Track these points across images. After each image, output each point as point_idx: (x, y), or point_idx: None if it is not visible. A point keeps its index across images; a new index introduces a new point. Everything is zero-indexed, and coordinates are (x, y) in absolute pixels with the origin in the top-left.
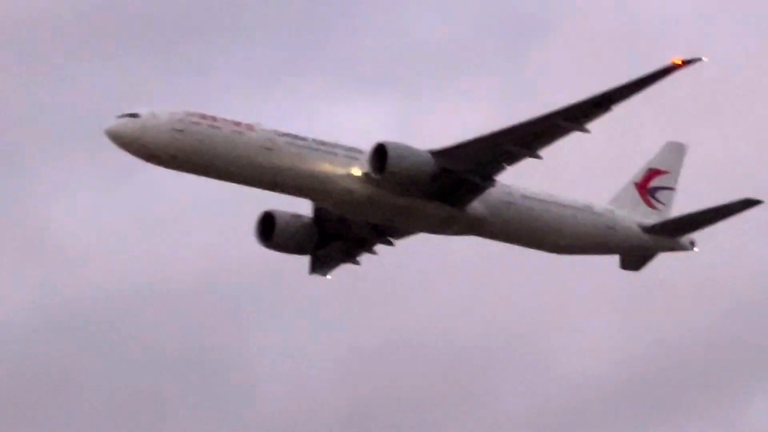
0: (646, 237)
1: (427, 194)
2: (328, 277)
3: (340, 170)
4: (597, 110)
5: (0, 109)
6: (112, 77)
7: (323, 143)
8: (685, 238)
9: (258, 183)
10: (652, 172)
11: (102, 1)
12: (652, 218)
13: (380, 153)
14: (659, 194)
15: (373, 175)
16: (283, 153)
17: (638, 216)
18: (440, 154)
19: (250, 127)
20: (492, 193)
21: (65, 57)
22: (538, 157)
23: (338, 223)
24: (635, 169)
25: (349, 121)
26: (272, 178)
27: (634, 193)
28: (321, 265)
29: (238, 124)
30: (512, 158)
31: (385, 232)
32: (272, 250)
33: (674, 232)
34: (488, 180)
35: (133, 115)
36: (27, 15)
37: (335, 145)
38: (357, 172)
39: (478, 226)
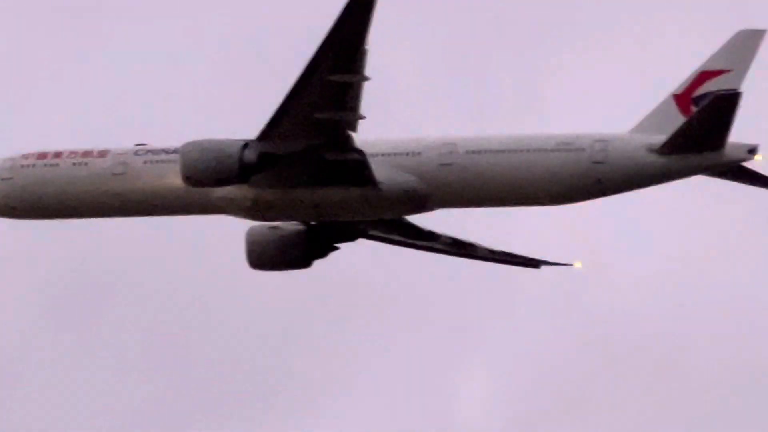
0: (658, 160)
1: (315, 181)
2: None
3: None
4: (351, 50)
5: None
6: None
7: None
8: (735, 147)
9: (121, 212)
10: (704, 75)
11: None
12: None
13: None
14: None
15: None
16: (138, 174)
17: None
18: (258, 139)
19: (102, 154)
20: (422, 157)
21: None
22: (358, 117)
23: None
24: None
25: None
26: (134, 205)
27: (672, 108)
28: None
29: (87, 153)
30: (336, 125)
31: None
32: (264, 271)
33: (690, 147)
34: (348, 151)
35: None
36: None
37: None
38: None
39: (416, 199)
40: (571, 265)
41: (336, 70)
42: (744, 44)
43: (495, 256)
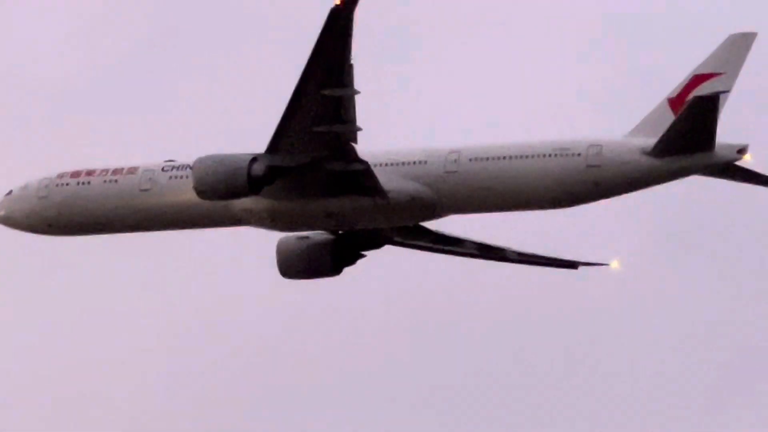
0: (651, 162)
1: (324, 191)
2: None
3: None
4: (337, 64)
5: None
6: None
7: None
8: (725, 148)
9: (149, 226)
10: (697, 79)
11: None
12: None
13: None
14: None
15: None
16: (163, 190)
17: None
18: (266, 153)
19: (131, 171)
20: (428, 166)
21: None
22: (355, 129)
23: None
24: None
25: None
26: (162, 219)
27: (667, 112)
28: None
29: (118, 171)
30: (337, 137)
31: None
32: (294, 280)
33: (680, 149)
34: (351, 161)
35: (9, 193)
36: None
37: None
38: None
39: (424, 206)
40: (608, 264)
41: (326, 84)
42: (735, 47)
43: (527, 258)
